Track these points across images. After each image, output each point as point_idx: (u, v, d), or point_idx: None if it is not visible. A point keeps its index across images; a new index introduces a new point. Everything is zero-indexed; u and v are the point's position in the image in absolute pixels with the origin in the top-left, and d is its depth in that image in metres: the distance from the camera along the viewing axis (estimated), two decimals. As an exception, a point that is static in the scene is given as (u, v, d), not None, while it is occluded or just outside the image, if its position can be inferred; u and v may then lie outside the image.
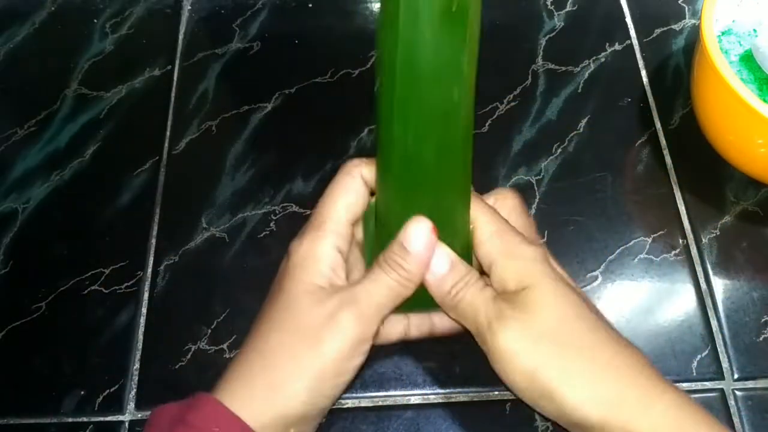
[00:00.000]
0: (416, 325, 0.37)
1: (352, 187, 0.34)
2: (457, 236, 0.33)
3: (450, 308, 0.33)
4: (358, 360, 0.32)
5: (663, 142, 0.47)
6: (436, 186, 0.32)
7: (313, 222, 0.34)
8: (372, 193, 0.35)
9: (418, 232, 0.32)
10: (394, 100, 0.30)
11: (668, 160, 0.46)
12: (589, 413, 0.29)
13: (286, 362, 0.30)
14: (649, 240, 0.43)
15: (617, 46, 0.51)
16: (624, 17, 0.53)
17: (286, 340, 0.31)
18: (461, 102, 0.30)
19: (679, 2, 0.53)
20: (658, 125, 0.47)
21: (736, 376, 0.39)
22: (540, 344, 0.30)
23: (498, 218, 0.34)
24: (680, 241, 0.43)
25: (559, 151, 0.46)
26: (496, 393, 0.39)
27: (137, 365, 0.40)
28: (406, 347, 0.39)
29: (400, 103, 0.30)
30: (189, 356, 0.40)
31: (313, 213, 0.34)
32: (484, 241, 0.33)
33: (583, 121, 0.48)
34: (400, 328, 0.36)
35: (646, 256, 0.43)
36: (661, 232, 0.43)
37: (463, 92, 0.30)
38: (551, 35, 0.52)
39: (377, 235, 0.34)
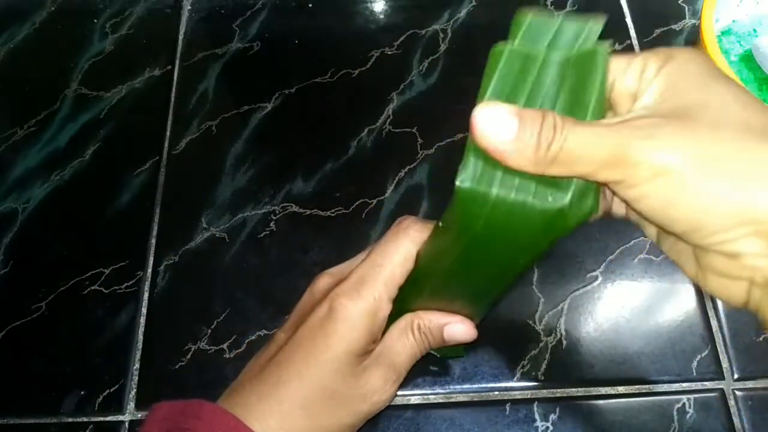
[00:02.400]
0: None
1: (410, 251, 0.31)
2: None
3: (548, 168, 0.23)
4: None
5: (663, 142, 0.47)
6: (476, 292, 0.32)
7: (365, 278, 0.31)
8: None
9: (462, 333, 0.33)
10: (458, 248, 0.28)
11: (668, 160, 0.46)
12: None
13: (306, 420, 0.30)
14: (649, 240, 0.43)
15: (617, 46, 0.51)
16: (624, 17, 0.53)
17: (314, 401, 0.31)
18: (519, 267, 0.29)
19: (679, 2, 0.53)
20: (658, 125, 0.47)
21: (736, 376, 0.39)
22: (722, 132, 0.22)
23: None
24: (680, 241, 0.43)
25: (559, 151, 0.46)
26: (496, 393, 0.39)
27: (137, 365, 0.40)
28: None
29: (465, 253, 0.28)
30: (189, 356, 0.40)
31: (366, 262, 0.32)
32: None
33: (583, 121, 0.47)
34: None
35: (646, 256, 0.43)
36: (661, 232, 0.43)
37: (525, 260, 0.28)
38: (551, 35, 0.51)
39: (408, 293, 0.33)
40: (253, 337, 0.40)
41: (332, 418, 0.31)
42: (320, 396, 0.31)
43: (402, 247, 0.31)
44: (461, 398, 0.39)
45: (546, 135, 0.23)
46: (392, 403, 0.38)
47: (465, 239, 0.27)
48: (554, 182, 0.24)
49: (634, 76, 0.25)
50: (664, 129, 0.22)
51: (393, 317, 0.32)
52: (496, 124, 0.24)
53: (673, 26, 0.52)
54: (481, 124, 0.24)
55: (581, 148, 0.23)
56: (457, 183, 0.26)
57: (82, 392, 0.39)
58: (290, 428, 0.30)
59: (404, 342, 0.33)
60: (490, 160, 0.25)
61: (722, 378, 0.39)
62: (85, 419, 0.38)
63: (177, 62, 0.51)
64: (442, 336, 0.33)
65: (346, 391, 0.31)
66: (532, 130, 0.23)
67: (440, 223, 0.28)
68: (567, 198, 0.24)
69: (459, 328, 0.33)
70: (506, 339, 0.40)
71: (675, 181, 0.22)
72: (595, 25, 0.26)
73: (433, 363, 0.39)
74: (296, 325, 0.32)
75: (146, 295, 0.42)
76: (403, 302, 0.32)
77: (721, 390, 0.39)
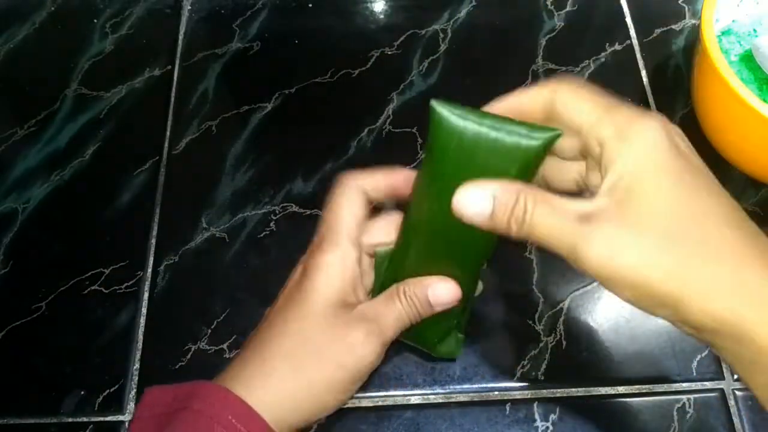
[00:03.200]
0: None
1: (355, 199, 0.34)
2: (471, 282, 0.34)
3: (524, 237, 0.27)
4: (364, 377, 0.32)
5: (663, 142, 0.47)
6: (455, 255, 0.33)
7: (324, 234, 0.33)
8: (370, 204, 0.35)
9: (446, 293, 0.33)
10: (432, 187, 0.30)
11: (668, 160, 0.46)
12: (720, 318, 0.24)
13: (291, 373, 0.31)
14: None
15: (617, 46, 0.51)
16: (624, 17, 0.53)
17: (297, 352, 0.31)
18: None
19: (679, 2, 0.53)
20: (658, 125, 0.47)
21: (736, 376, 0.39)
22: (644, 238, 0.24)
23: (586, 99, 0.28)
24: (680, 241, 0.43)
25: (559, 151, 0.46)
26: (496, 393, 0.39)
27: (137, 365, 0.40)
28: (406, 347, 0.39)
29: (436, 196, 0.30)
30: (189, 356, 0.40)
31: (321, 225, 0.34)
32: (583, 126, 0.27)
33: (583, 121, 0.47)
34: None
35: None
36: (661, 232, 0.43)
37: None
38: (551, 35, 0.52)
39: (392, 269, 0.34)
40: (253, 337, 0.40)
41: (319, 372, 0.31)
42: (303, 348, 0.31)
43: (342, 195, 0.34)
44: (461, 398, 0.39)
45: (516, 217, 0.27)
46: (392, 403, 0.38)
47: (441, 166, 0.29)
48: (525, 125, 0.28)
49: (594, 151, 0.27)
50: (616, 240, 0.25)
51: (385, 286, 0.34)
52: (474, 201, 0.28)
53: (673, 26, 0.52)
54: (463, 201, 0.28)
55: (546, 236, 0.26)
56: (432, 101, 0.30)
57: (82, 392, 0.39)
58: (277, 386, 0.30)
59: (389, 304, 0.33)
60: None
61: (722, 378, 0.39)
62: (85, 419, 0.38)
63: (177, 62, 0.51)
64: (428, 299, 0.33)
65: (328, 342, 0.31)
66: (504, 213, 0.27)
67: (423, 154, 0.31)
68: (537, 142, 0.28)
69: (442, 288, 0.33)
70: (506, 339, 0.40)
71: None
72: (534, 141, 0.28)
73: (433, 363, 0.39)
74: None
75: (146, 295, 0.42)
76: (394, 271, 0.33)
77: (721, 390, 0.39)
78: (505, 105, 0.30)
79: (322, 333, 0.31)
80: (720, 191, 0.26)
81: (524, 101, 0.29)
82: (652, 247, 0.24)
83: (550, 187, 0.31)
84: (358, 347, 0.31)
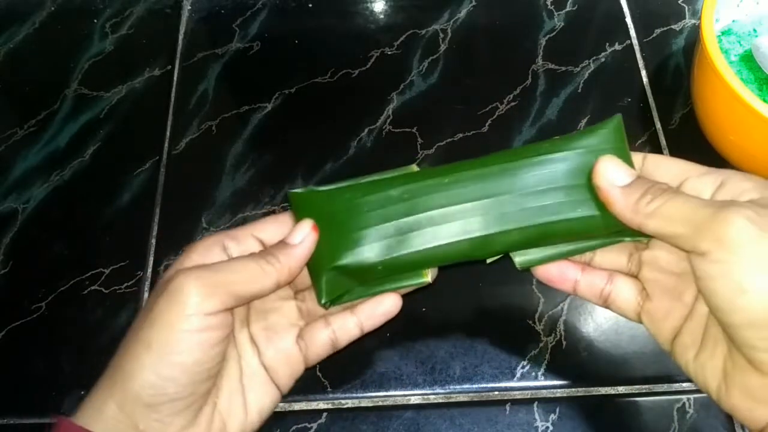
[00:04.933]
0: (341, 328, 0.33)
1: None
2: None
3: (644, 218, 0.27)
4: (200, 336, 0.28)
5: (663, 142, 0.47)
6: None
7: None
8: None
9: (301, 227, 0.31)
10: None
11: (668, 160, 0.46)
12: None
13: (126, 351, 0.28)
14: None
15: (617, 46, 0.51)
16: (624, 17, 0.53)
17: (132, 329, 0.29)
18: None
19: (679, 2, 0.53)
20: (658, 125, 0.47)
21: (736, 376, 0.39)
22: None
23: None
24: (680, 241, 0.43)
25: (559, 151, 0.46)
26: (496, 393, 0.39)
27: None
28: (406, 347, 0.40)
29: None
30: (189, 356, 0.40)
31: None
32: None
33: (583, 121, 0.48)
34: (325, 339, 0.33)
35: None
36: (661, 232, 0.43)
37: None
38: (551, 35, 0.52)
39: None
40: (253, 337, 0.40)
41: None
42: (132, 329, 0.29)
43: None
44: (461, 398, 0.39)
45: (654, 191, 0.26)
46: (392, 403, 0.38)
47: None
48: None
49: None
50: (760, 210, 0.24)
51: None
52: (616, 171, 0.28)
53: (673, 26, 0.52)
54: (604, 168, 0.28)
55: (681, 210, 0.25)
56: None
57: (82, 392, 0.39)
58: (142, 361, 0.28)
59: (230, 260, 0.30)
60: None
61: (722, 378, 0.39)
62: (85, 419, 0.38)
63: (177, 62, 0.51)
64: (287, 242, 0.31)
65: (151, 302, 0.29)
66: (644, 185, 0.27)
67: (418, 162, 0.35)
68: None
69: (297, 228, 0.31)
70: (506, 339, 0.40)
71: (755, 264, 0.23)
72: None
73: (433, 363, 0.39)
74: None
75: (146, 295, 0.42)
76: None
77: (721, 390, 0.39)
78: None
79: (154, 294, 0.29)
80: None
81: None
82: None
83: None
84: (181, 295, 0.28)
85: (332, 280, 0.32)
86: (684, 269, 0.29)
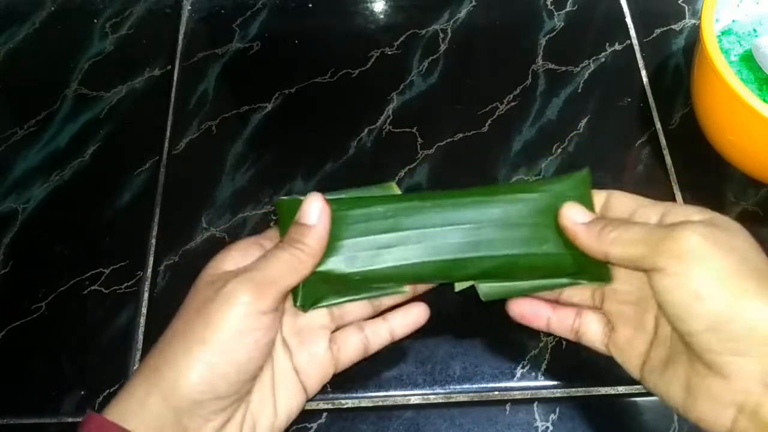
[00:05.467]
0: (374, 333, 0.35)
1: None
2: None
3: (608, 247, 0.30)
4: (254, 335, 0.29)
5: (663, 142, 0.47)
6: None
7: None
8: None
9: (313, 205, 0.32)
10: None
11: (668, 160, 0.46)
12: None
13: (177, 347, 0.29)
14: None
15: (617, 46, 0.51)
16: (624, 17, 0.53)
17: (179, 328, 0.30)
18: None
19: (679, 2, 0.53)
20: (658, 125, 0.47)
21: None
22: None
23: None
24: (680, 241, 0.43)
25: (559, 151, 0.46)
26: (496, 393, 0.39)
27: (137, 365, 0.40)
28: (406, 347, 0.40)
29: None
30: (189, 356, 0.40)
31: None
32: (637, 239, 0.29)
33: (583, 121, 0.48)
34: (358, 344, 0.35)
35: None
36: (661, 232, 0.43)
37: None
38: (551, 35, 0.52)
39: None
40: (253, 337, 0.40)
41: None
42: (176, 331, 0.30)
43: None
44: (461, 398, 0.39)
45: (613, 224, 0.30)
46: (392, 403, 0.38)
47: None
48: None
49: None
50: (709, 227, 0.28)
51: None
52: (579, 212, 0.32)
53: (673, 26, 0.52)
54: (568, 209, 0.32)
55: (639, 234, 0.29)
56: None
57: (82, 392, 0.39)
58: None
59: (266, 255, 0.32)
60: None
61: (722, 378, 0.39)
62: (85, 419, 0.38)
63: (177, 62, 0.51)
64: (304, 224, 0.32)
65: (199, 304, 0.30)
66: (603, 220, 0.31)
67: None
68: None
69: (306, 206, 0.32)
70: (506, 339, 0.40)
71: (708, 273, 0.26)
72: None
73: (433, 363, 0.39)
74: None
75: (146, 295, 0.42)
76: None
77: (721, 390, 0.38)
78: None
79: (201, 295, 0.30)
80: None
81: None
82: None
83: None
84: (234, 299, 0.29)
85: (310, 284, 0.33)
86: (640, 297, 0.32)
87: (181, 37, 0.53)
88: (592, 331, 0.34)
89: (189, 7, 0.54)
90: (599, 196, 0.34)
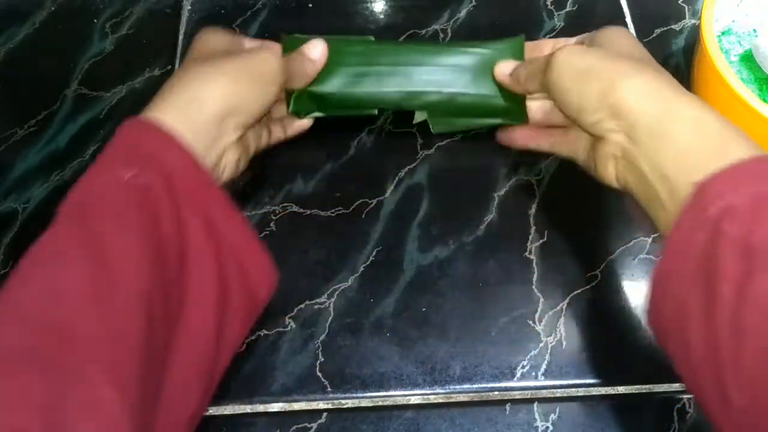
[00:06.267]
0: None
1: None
2: None
3: (522, 85, 0.40)
4: (277, 91, 0.38)
5: (663, 142, 0.47)
6: None
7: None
8: None
9: (318, 47, 0.42)
10: None
11: (668, 160, 0.46)
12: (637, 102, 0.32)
13: (206, 70, 0.36)
14: (649, 240, 0.43)
15: (617, 46, 0.51)
16: (624, 17, 0.53)
17: (201, 64, 0.36)
18: None
19: (679, 2, 0.53)
20: (658, 125, 0.47)
21: (736, 376, 0.39)
22: (594, 52, 0.35)
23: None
24: (680, 241, 0.43)
25: (559, 151, 0.46)
26: (496, 393, 0.39)
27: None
28: (406, 347, 0.40)
29: None
30: (189, 356, 0.40)
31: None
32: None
33: (583, 121, 0.47)
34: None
35: (646, 256, 0.43)
36: (661, 232, 0.43)
37: None
38: (551, 35, 0.52)
39: None
40: (253, 337, 0.40)
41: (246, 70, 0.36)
42: (198, 63, 0.37)
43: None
44: (461, 398, 0.39)
45: (521, 67, 0.40)
46: (392, 403, 0.38)
47: None
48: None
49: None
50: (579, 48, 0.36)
51: None
52: (507, 65, 0.41)
53: (673, 26, 0.52)
54: (501, 66, 0.42)
55: (531, 68, 0.38)
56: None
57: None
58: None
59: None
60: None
61: (722, 378, 0.39)
62: (85, 419, 0.38)
63: (177, 62, 0.51)
64: (306, 55, 0.42)
65: (229, 52, 0.38)
66: (518, 67, 0.41)
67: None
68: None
69: (312, 44, 0.42)
70: (506, 339, 0.40)
71: (569, 76, 0.35)
72: None
73: (433, 363, 0.39)
74: None
75: (146, 295, 0.42)
76: None
77: (721, 390, 0.38)
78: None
79: (230, 48, 0.39)
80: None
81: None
82: (600, 50, 0.36)
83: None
84: (264, 53, 0.38)
85: (300, 99, 0.43)
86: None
87: (181, 37, 0.53)
88: (569, 140, 0.40)
89: (189, 7, 0.54)
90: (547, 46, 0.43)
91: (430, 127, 0.45)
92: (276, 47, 0.41)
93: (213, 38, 0.40)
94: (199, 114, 0.34)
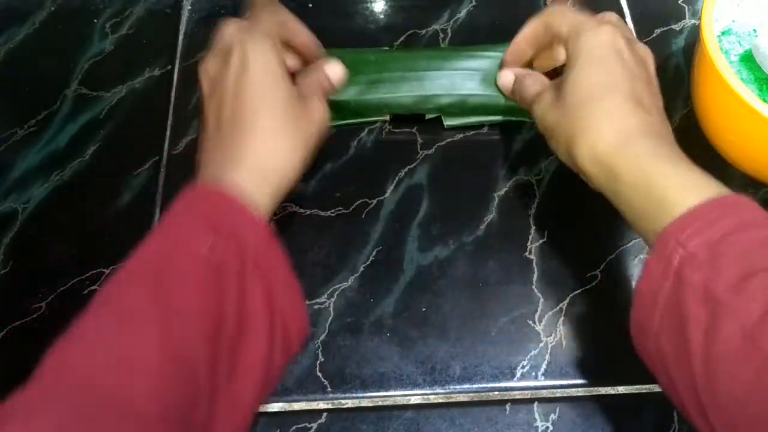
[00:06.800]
0: None
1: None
2: None
3: (524, 101, 0.41)
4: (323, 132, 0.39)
5: (663, 142, 0.47)
6: None
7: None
8: None
9: (339, 69, 0.41)
10: None
11: (668, 160, 0.46)
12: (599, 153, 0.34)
13: (276, 137, 0.36)
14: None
15: (617, 46, 0.51)
16: (624, 17, 0.53)
17: (269, 124, 0.35)
18: None
19: (679, 2, 0.53)
20: (658, 125, 0.47)
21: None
22: (559, 107, 0.37)
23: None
24: (680, 241, 0.43)
25: (559, 151, 0.46)
26: (496, 393, 0.39)
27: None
28: (406, 347, 0.40)
29: None
30: (189, 356, 0.40)
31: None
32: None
33: (583, 121, 0.47)
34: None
35: (646, 256, 0.43)
36: (661, 232, 0.43)
37: None
38: (551, 35, 0.51)
39: None
40: (253, 337, 0.40)
41: (296, 131, 0.36)
42: (281, 119, 0.36)
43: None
44: (461, 398, 0.39)
45: (525, 79, 0.42)
46: (392, 403, 0.38)
47: None
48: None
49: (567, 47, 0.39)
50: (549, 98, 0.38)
51: None
52: (508, 78, 0.44)
53: (673, 26, 0.52)
54: (502, 77, 0.44)
55: (527, 92, 0.41)
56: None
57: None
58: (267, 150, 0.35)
59: (311, 75, 0.40)
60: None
61: (722, 378, 0.39)
62: (85, 419, 0.38)
63: (177, 62, 0.51)
64: (330, 79, 0.41)
65: (294, 111, 0.37)
66: (519, 79, 0.43)
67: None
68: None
69: (334, 66, 0.41)
70: (506, 339, 0.40)
71: (543, 128, 0.38)
72: None
73: (433, 363, 0.39)
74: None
75: (146, 295, 0.42)
76: None
77: (721, 390, 0.38)
78: (521, 38, 0.43)
79: (291, 106, 0.36)
80: (633, 74, 0.36)
81: (531, 31, 0.43)
82: (563, 105, 0.36)
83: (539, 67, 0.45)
84: (320, 109, 0.38)
85: None
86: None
87: (181, 37, 0.53)
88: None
89: (189, 7, 0.54)
90: (539, 23, 0.43)
91: (443, 122, 0.47)
92: (322, 77, 0.41)
93: (270, 56, 0.38)
94: (273, 182, 0.35)
